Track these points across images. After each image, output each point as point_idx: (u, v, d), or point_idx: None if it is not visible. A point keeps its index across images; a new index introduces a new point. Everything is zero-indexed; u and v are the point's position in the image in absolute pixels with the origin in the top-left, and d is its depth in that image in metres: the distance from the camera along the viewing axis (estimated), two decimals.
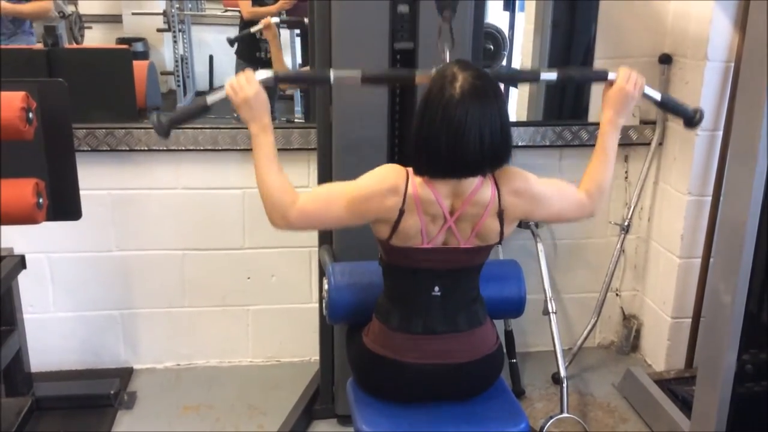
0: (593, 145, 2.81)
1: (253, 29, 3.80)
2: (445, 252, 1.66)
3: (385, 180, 1.61)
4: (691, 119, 1.84)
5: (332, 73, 1.76)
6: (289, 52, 5.38)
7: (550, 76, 1.79)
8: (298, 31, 4.95)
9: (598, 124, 2.75)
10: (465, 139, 1.50)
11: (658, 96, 1.82)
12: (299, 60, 5.38)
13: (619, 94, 1.74)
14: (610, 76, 1.75)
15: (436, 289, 1.70)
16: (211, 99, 1.69)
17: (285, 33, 5.00)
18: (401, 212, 1.59)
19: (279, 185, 1.61)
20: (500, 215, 1.64)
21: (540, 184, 1.69)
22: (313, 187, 1.67)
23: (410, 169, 1.62)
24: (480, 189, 1.61)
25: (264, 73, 1.67)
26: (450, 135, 1.51)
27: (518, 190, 1.65)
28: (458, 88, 1.50)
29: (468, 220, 1.63)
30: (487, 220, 1.63)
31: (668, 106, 1.87)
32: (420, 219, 1.60)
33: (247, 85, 1.63)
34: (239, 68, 4.79)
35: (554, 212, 1.73)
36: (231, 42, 4.25)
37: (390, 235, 1.63)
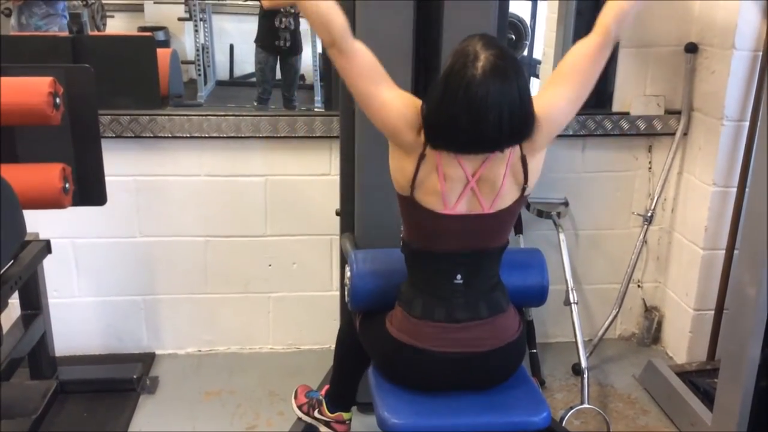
0: (617, 135, 2.84)
1: None
2: (468, 220, 1.65)
3: (416, 110, 1.60)
4: None
5: None
6: (309, 42, 5.39)
7: None
8: None
9: (622, 113, 2.78)
10: (484, 119, 1.50)
11: None
12: (320, 50, 5.38)
13: None
14: None
15: (459, 276, 1.70)
16: None
17: (306, 23, 5.00)
18: (422, 156, 1.59)
19: (337, 13, 1.57)
20: (523, 160, 1.63)
21: (546, 103, 1.64)
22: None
23: None
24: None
25: None
26: (470, 115, 1.51)
27: (540, 133, 1.62)
28: (480, 68, 1.49)
29: (490, 180, 1.62)
30: (511, 173, 1.62)
31: None
32: (439, 176, 1.60)
33: None
34: (258, 57, 4.83)
35: (579, 98, 1.68)
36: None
37: (411, 187, 1.63)
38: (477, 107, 1.50)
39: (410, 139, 1.61)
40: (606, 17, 1.69)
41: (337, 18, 1.57)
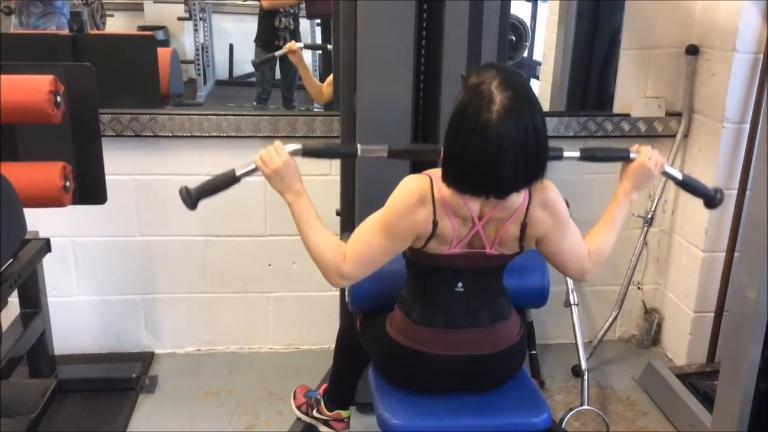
0: (618, 137, 2.83)
1: (277, 53, 3.83)
2: (469, 256, 1.65)
3: (411, 193, 1.59)
4: (713, 199, 1.85)
5: (359, 148, 1.78)
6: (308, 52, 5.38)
7: (573, 154, 1.85)
8: (318, 21, 4.96)
9: (623, 115, 2.78)
10: (499, 165, 1.48)
11: (679, 176, 1.85)
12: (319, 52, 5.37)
13: (640, 169, 1.76)
14: (632, 155, 1.78)
15: (459, 285, 1.69)
16: (240, 171, 1.72)
17: (305, 23, 5.01)
18: (435, 223, 1.58)
19: (327, 245, 1.63)
20: (523, 226, 1.62)
21: (567, 213, 1.68)
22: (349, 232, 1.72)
23: (432, 174, 1.60)
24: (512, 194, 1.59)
25: (293, 146, 1.70)
26: (484, 161, 1.48)
27: (547, 203, 1.63)
28: (495, 112, 1.45)
29: (494, 224, 1.62)
30: (509, 226, 1.62)
31: (689, 186, 1.88)
32: (452, 222, 1.59)
33: (277, 157, 1.65)
34: (258, 56, 4.82)
35: (564, 248, 1.70)
36: (255, 66, 4.36)
37: (424, 244, 1.62)
38: (491, 154, 1.47)
39: (423, 220, 1.58)
40: (590, 257, 1.75)
41: (332, 261, 1.61)
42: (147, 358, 2.82)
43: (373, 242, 1.61)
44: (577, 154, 1.85)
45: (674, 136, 2.77)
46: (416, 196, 1.58)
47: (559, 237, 1.68)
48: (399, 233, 1.60)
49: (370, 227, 1.63)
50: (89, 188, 2.24)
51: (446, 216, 1.59)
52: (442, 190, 1.58)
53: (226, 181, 1.73)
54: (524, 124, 1.47)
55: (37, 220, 2.37)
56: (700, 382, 2.57)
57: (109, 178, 2.32)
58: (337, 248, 1.62)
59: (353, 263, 1.62)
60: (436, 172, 1.59)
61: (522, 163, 1.49)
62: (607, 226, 1.79)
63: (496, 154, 1.46)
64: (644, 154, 1.76)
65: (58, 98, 1.99)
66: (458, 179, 1.54)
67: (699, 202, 2.65)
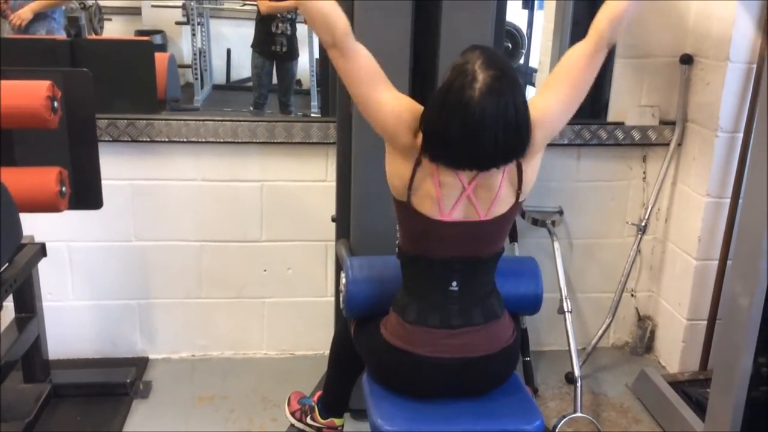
0: (612, 145, 2.85)
1: None
2: (464, 226, 1.66)
3: (405, 112, 1.62)
4: None
5: None
6: (306, 47, 5.41)
7: None
8: None
9: (617, 123, 2.79)
10: (480, 140, 1.52)
11: None
12: (317, 55, 5.40)
13: None
14: None
15: (454, 284, 1.71)
16: None
17: (302, 28, 5.03)
18: (418, 161, 1.61)
19: (337, 10, 1.58)
20: (519, 166, 1.64)
21: (540, 107, 1.65)
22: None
23: None
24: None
25: None
26: (466, 136, 1.52)
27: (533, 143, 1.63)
28: (477, 89, 1.50)
29: (486, 187, 1.63)
30: (508, 176, 1.63)
31: None
32: (435, 185, 1.61)
33: None
34: (255, 61, 4.84)
35: (572, 102, 1.69)
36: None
37: (408, 192, 1.64)
38: (473, 129, 1.51)
39: (407, 142, 1.62)
40: (600, 22, 1.69)
41: (340, 19, 1.58)
42: (141, 363, 2.82)
43: (372, 82, 1.62)
44: None
45: (668, 144, 2.78)
46: (414, 122, 1.60)
47: (560, 117, 1.69)
48: (382, 117, 1.62)
49: (383, 82, 1.63)
50: (85, 193, 2.24)
51: (430, 174, 1.60)
52: None
53: None
54: (505, 102, 1.51)
55: (33, 225, 2.37)
56: (693, 389, 2.58)
57: (105, 183, 2.32)
58: (346, 23, 1.59)
59: (353, 55, 1.60)
60: None
61: (503, 138, 1.52)
62: None
63: (478, 128, 1.50)
64: None
65: (55, 104, 2.00)
66: (441, 153, 1.57)
67: (693, 210, 2.71)
